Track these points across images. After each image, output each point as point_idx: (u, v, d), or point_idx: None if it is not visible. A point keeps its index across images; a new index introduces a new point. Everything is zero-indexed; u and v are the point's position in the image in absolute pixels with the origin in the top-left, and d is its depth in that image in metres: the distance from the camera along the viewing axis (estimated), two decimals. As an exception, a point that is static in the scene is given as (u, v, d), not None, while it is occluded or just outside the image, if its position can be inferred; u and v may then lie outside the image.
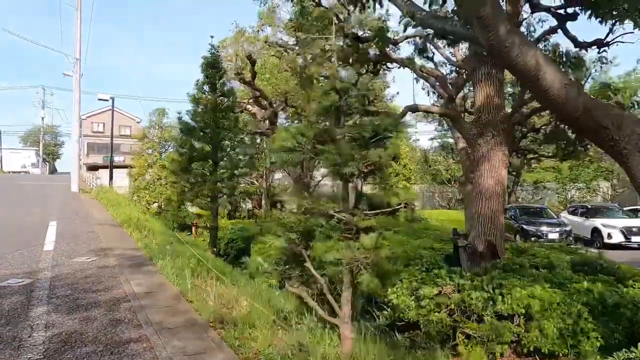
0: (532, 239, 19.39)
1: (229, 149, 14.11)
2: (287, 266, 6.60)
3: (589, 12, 7.22)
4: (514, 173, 30.56)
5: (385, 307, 8.07)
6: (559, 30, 9.66)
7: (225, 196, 13.92)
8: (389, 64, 9.88)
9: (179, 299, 7.13)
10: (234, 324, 6.06)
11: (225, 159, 13.96)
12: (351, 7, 8.40)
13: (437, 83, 9.60)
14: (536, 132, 13.73)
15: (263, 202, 25.55)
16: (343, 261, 5.82)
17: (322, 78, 9.61)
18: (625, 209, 26.85)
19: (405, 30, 9.46)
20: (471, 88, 12.27)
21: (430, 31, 7.13)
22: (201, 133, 13.48)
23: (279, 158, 6.16)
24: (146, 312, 6.18)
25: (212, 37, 15.21)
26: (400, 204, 5.78)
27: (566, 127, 13.81)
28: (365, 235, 5.76)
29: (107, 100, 32.71)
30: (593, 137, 4.63)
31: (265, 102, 16.00)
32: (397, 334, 7.78)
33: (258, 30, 17.06)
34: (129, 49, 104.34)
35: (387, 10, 9.68)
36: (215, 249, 13.35)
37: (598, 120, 4.27)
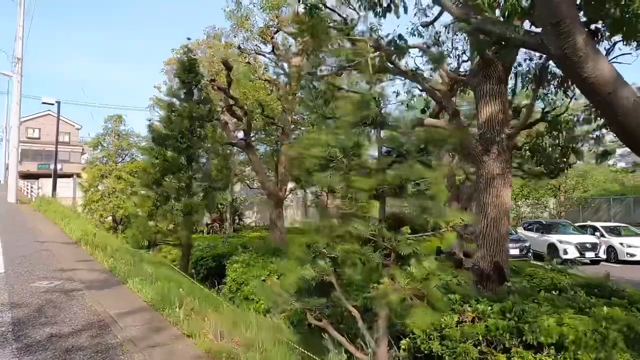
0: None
1: (205, 160, 13.06)
2: (310, 297, 5.82)
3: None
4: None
5: (401, 335, 7.40)
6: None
7: (200, 211, 12.82)
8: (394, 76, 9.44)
9: (177, 337, 6.12)
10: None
11: (201, 171, 12.88)
12: (363, 12, 7.82)
13: (443, 97, 9.23)
14: (518, 149, 13.75)
15: (228, 216, 24.37)
16: (381, 292, 5.15)
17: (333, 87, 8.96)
18: (576, 224, 27.89)
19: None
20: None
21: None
22: (177, 143, 12.35)
23: (305, 176, 5.38)
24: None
25: (188, 39, 14.20)
26: (448, 226, 5.20)
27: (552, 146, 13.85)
28: (415, 263, 5.12)
29: (53, 104, 30.26)
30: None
31: (240, 112, 15.11)
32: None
33: (234, 35, 16.22)
34: (63, 50, 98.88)
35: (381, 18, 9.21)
36: (193, 271, 12.19)
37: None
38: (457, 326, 6.86)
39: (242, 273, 11.46)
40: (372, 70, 5.42)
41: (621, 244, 23.20)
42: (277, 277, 11.11)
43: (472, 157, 9.23)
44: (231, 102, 14.81)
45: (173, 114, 12.73)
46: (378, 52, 8.65)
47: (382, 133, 5.57)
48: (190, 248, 13.09)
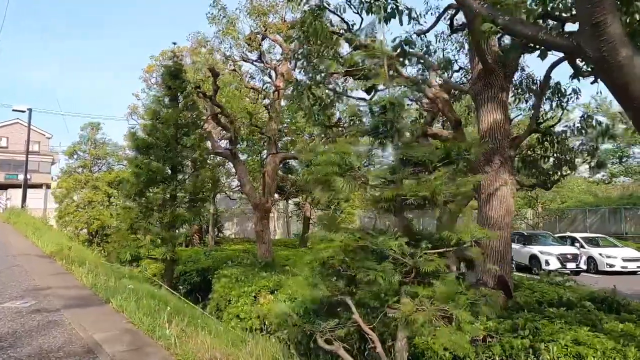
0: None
1: (191, 170, 12.44)
2: (318, 317, 5.35)
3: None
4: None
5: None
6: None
7: (186, 224, 12.18)
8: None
9: (172, 362, 5.55)
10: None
11: (187, 181, 12.26)
12: (366, 16, 7.48)
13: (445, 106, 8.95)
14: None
15: (210, 228, 23.59)
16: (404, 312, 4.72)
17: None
18: (555, 235, 28.11)
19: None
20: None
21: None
22: (162, 152, 11.71)
23: (321, 186, 4.88)
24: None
25: (174, 43, 13.60)
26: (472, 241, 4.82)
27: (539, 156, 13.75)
28: (436, 281, 4.71)
29: (24, 112, 29.01)
30: None
31: (226, 120, 14.57)
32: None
33: (221, 42, 15.71)
34: (32, 57, 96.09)
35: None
36: (182, 288, 11.50)
37: None
38: (472, 344, 6.48)
39: (231, 289, 10.85)
40: (387, 73, 5.05)
41: (600, 254, 23.38)
42: (269, 292, 10.58)
43: (472, 167, 8.96)
44: (217, 110, 14.26)
45: (157, 121, 12.11)
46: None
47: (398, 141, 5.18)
48: (174, 262, 12.42)
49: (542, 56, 4.97)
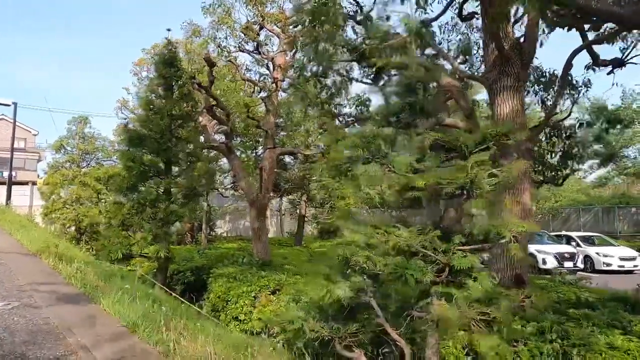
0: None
1: (186, 164, 11.81)
2: (338, 321, 4.79)
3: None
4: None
5: None
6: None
7: (179, 220, 11.55)
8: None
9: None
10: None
11: (182, 175, 11.63)
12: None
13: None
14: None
15: (203, 226, 22.91)
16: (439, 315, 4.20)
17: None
18: (551, 234, 27.90)
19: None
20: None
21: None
22: (156, 144, 11.06)
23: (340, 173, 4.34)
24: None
25: (169, 30, 12.90)
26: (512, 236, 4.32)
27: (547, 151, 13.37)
28: (471, 281, 4.19)
29: (9, 105, 28.04)
30: None
31: (222, 113, 13.95)
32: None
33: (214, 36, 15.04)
34: (16, 54, 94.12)
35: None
36: (177, 288, 10.88)
37: None
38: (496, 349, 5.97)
39: (229, 289, 10.26)
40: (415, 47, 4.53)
41: (597, 253, 23.16)
42: (270, 292, 10.02)
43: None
44: (212, 102, 13.63)
45: (151, 111, 11.46)
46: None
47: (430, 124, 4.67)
48: (168, 261, 11.79)
49: (595, 28, 4.48)
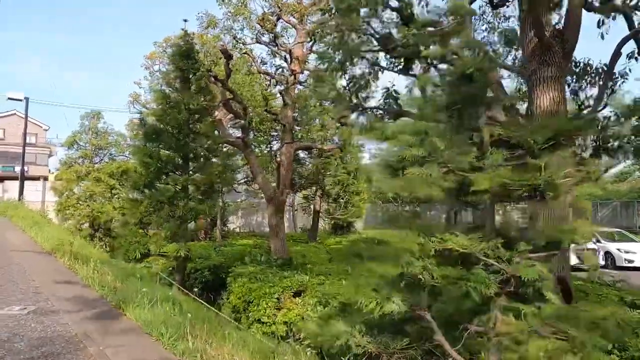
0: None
1: (204, 159, 11.40)
2: (386, 335, 4.36)
3: None
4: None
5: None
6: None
7: (197, 219, 11.16)
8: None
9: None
10: None
11: (200, 171, 11.22)
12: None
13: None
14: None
15: (218, 222, 22.58)
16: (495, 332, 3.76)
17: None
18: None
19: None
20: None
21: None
22: (174, 139, 10.65)
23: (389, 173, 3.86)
24: None
25: (185, 20, 12.43)
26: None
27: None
28: (541, 294, 3.74)
29: (20, 100, 27.84)
30: None
31: (239, 107, 13.53)
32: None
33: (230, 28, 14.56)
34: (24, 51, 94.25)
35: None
36: (195, 288, 10.50)
37: None
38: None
39: (251, 290, 9.86)
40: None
41: (618, 249, 22.45)
42: (293, 294, 9.61)
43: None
44: (228, 95, 13.20)
45: (167, 105, 11.04)
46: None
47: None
48: (187, 260, 11.43)
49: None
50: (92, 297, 7.75)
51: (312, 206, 26.67)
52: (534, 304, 3.73)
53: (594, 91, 11.57)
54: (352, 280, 4.42)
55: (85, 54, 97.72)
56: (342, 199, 24.73)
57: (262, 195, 26.83)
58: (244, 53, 15.50)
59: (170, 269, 12.68)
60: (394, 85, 9.02)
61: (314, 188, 25.03)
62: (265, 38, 15.16)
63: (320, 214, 26.09)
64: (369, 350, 4.18)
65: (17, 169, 32.75)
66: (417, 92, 6.08)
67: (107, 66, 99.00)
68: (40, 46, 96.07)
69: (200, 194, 11.15)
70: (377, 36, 7.99)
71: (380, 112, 8.46)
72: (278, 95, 16.91)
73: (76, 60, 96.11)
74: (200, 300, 8.96)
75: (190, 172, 11.27)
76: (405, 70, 8.20)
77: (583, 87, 11.50)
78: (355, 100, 8.26)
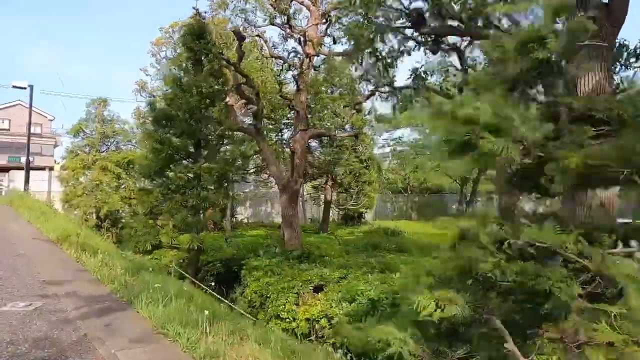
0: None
1: (217, 146, 10.81)
2: (441, 341, 3.79)
3: None
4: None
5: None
6: None
7: (211, 208, 10.61)
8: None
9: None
10: None
11: (212, 159, 10.61)
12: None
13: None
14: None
15: (228, 212, 22.02)
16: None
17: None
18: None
19: None
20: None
21: None
22: (185, 125, 10.04)
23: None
24: None
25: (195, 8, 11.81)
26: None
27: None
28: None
29: (25, 88, 27.28)
30: None
31: (251, 92, 12.92)
32: None
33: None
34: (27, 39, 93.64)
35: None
36: (210, 281, 9.97)
37: None
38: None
39: (267, 284, 9.32)
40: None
41: None
42: (312, 288, 9.07)
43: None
44: (241, 79, 12.57)
45: (179, 88, 10.42)
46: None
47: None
48: (200, 252, 10.89)
49: None
50: (101, 293, 7.22)
51: (322, 196, 26.07)
52: (620, 305, 3.15)
53: (628, 73, 10.90)
54: (405, 278, 3.82)
55: (86, 47, 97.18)
56: (354, 188, 24.11)
57: (271, 185, 26.29)
58: (257, 36, 14.84)
59: (181, 261, 12.17)
60: (422, 65, 8.45)
61: (324, 178, 24.43)
62: (278, 20, 14.49)
63: (333, 204, 25.52)
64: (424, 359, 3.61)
65: (23, 159, 32.30)
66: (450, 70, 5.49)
67: (110, 58, 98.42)
68: (47, 34, 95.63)
69: (213, 183, 10.58)
70: (407, 11, 7.38)
71: (409, 90, 7.86)
72: (289, 81, 16.31)
73: (79, 51, 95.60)
74: (216, 295, 8.42)
75: (204, 159, 10.67)
76: (436, 46, 7.60)
77: (617, 69, 10.82)
78: (383, 80, 7.70)
